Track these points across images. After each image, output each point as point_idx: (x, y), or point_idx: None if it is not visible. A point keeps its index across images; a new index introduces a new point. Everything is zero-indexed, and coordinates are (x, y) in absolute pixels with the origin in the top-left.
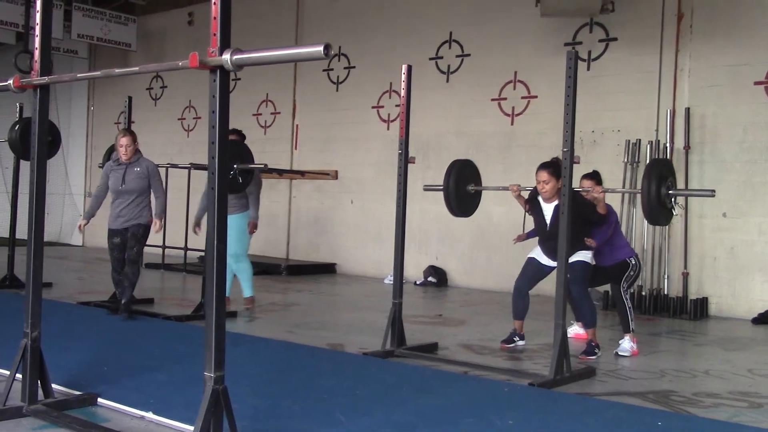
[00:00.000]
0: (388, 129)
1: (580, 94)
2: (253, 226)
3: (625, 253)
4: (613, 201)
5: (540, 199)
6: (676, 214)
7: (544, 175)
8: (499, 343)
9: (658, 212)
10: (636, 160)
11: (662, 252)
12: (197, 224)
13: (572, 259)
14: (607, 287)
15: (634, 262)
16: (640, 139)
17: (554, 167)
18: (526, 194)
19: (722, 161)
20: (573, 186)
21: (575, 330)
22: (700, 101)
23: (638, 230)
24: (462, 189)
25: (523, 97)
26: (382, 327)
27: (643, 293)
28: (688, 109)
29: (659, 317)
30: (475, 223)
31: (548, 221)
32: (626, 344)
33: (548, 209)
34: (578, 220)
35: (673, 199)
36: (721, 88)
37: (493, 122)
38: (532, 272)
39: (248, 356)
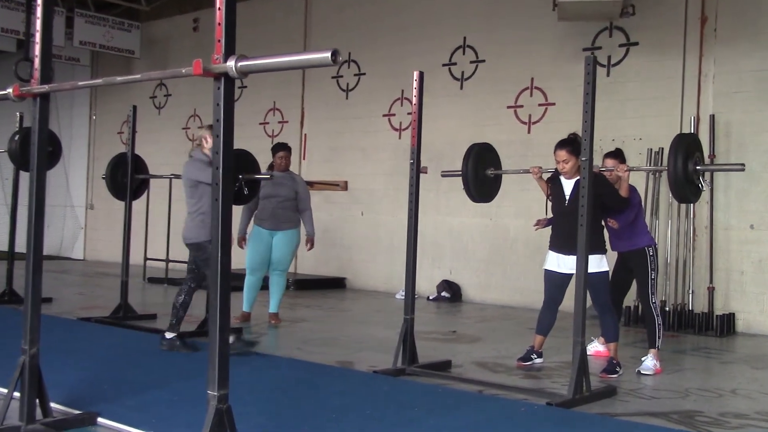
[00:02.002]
0: (399, 138)
1: (600, 101)
2: (311, 243)
3: (645, 241)
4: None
5: (561, 177)
6: (704, 190)
7: (563, 155)
8: (515, 360)
9: (685, 189)
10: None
11: (687, 266)
12: (243, 239)
13: (588, 270)
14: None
15: (651, 253)
16: (662, 148)
17: (573, 145)
18: (546, 177)
19: (749, 171)
20: (589, 185)
21: (595, 347)
22: (726, 108)
23: (661, 244)
24: (481, 173)
25: (540, 105)
26: (393, 344)
27: (667, 309)
28: (712, 116)
29: (683, 334)
30: (491, 236)
31: (567, 196)
32: (649, 362)
33: (568, 185)
34: (596, 204)
35: (701, 176)
36: (748, 94)
37: (508, 130)
38: (552, 285)
39: (254, 374)
